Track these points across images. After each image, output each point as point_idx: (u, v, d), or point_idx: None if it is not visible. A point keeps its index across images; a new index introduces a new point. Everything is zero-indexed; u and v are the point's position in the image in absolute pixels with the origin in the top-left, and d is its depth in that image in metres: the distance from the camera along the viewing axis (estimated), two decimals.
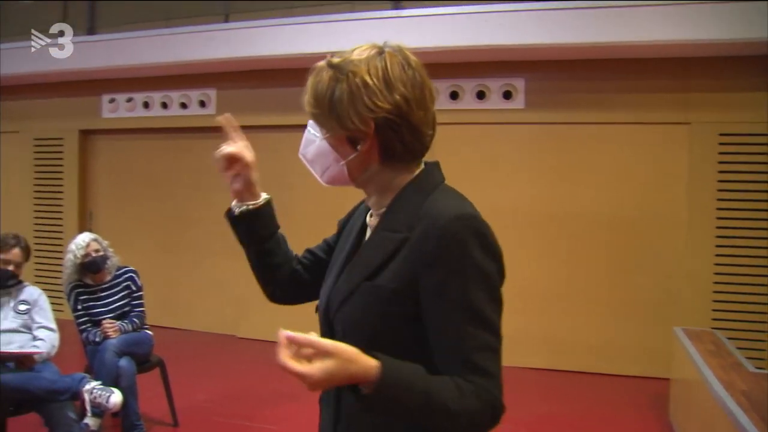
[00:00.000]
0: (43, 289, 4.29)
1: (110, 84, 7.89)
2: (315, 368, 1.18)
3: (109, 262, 4.58)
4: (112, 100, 7.96)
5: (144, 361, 4.50)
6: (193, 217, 7.70)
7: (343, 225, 1.65)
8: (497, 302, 1.35)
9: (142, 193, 7.99)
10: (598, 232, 6.18)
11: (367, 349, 1.24)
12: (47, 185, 8.39)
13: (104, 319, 4.43)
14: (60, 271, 6.67)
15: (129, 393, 4.11)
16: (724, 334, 4.95)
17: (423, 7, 6.20)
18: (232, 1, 7.15)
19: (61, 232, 8.20)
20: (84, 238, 4.56)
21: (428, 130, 1.42)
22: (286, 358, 1.17)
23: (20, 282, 4.17)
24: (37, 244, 8.13)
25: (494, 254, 1.35)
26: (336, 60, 1.39)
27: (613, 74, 6.11)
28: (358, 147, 1.39)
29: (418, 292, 1.32)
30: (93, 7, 7.89)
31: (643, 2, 5.53)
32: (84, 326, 4.46)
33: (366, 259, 1.42)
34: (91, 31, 7.79)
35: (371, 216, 1.52)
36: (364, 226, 1.54)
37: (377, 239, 1.42)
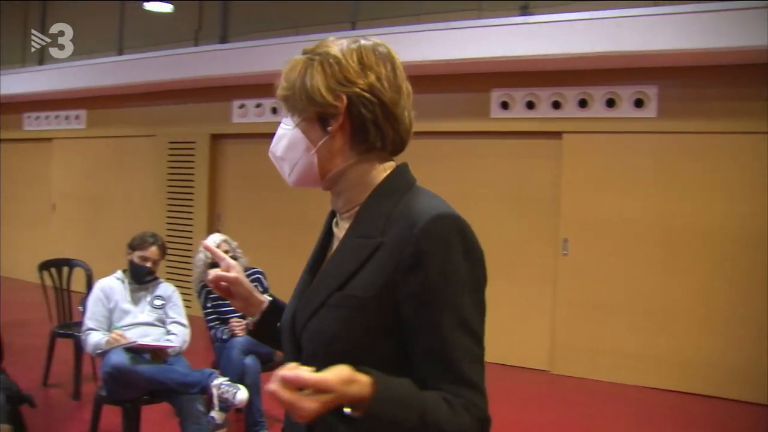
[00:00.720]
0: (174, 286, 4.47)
1: (240, 90, 8.17)
2: (311, 399, 1.06)
3: (237, 263, 4.69)
4: (241, 106, 8.23)
5: (268, 360, 4.59)
6: (318, 220, 7.75)
7: None
8: (482, 308, 1.26)
9: (269, 196, 8.21)
10: (735, 248, 5.79)
11: (332, 361, 1.14)
12: (179, 186, 8.77)
13: (232, 317, 4.57)
14: (189, 269, 6.95)
15: (253, 390, 4.21)
16: None
17: (552, 13, 6.06)
18: (359, 1, 7.24)
19: (191, 231, 8.55)
20: (215, 238, 4.73)
21: (403, 117, 1.35)
22: (277, 385, 1.06)
23: (156, 278, 4.36)
24: (168, 242, 8.50)
25: (478, 257, 1.26)
26: (310, 46, 1.38)
27: (754, 81, 5.74)
28: (329, 128, 1.32)
29: (396, 300, 1.22)
30: (225, 16, 8.20)
31: None
32: (212, 323, 4.61)
33: (335, 267, 1.33)
34: (223, 39, 8.10)
35: (337, 222, 1.43)
36: (330, 233, 1.46)
37: (348, 245, 1.33)
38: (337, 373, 1.08)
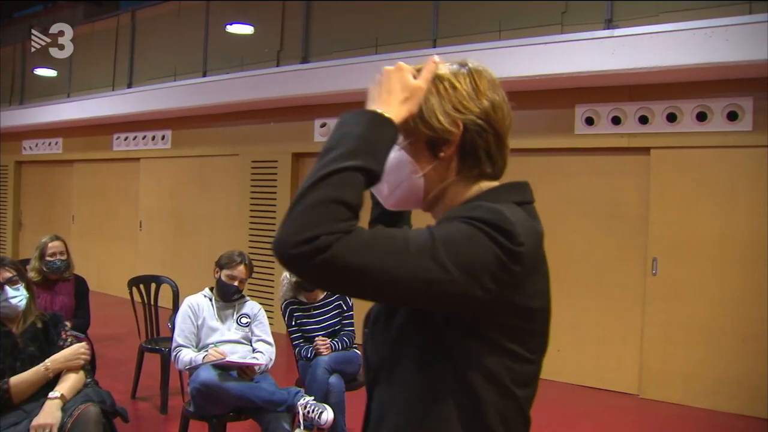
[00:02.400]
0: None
1: (322, 109, 8.25)
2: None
3: None
4: (323, 125, 8.32)
5: (352, 379, 4.59)
6: None
7: None
8: (469, 262, 1.14)
9: None
10: None
11: (386, 344, 1.30)
12: (262, 205, 8.91)
13: (316, 336, 4.58)
14: (272, 287, 7.04)
15: (337, 410, 4.20)
16: None
17: (638, 25, 5.90)
18: (441, 11, 7.22)
19: None
20: None
21: (507, 149, 1.34)
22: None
23: (243, 296, 4.41)
24: (251, 260, 8.65)
25: (511, 240, 1.17)
26: (418, 65, 1.33)
27: None
28: (441, 154, 1.29)
29: None
30: (306, 36, 8.32)
31: None
32: (297, 342, 4.64)
33: None
34: (304, 59, 8.22)
35: None
36: None
37: None
38: (401, 80, 1.25)
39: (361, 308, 5.27)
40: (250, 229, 8.97)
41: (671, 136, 6.03)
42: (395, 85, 1.24)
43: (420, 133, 1.29)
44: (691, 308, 5.90)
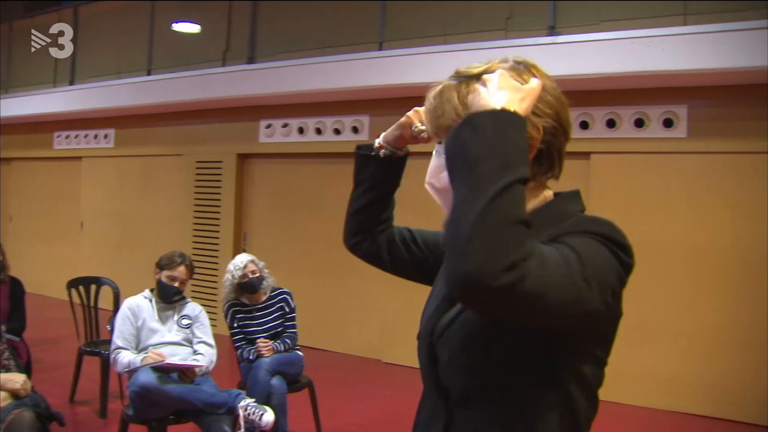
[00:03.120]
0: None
1: (267, 110, 8.22)
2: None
3: (265, 282, 4.72)
4: (268, 126, 8.28)
5: (294, 381, 4.59)
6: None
7: None
8: (611, 267, 1.15)
9: (295, 216, 8.23)
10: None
11: (480, 366, 1.22)
12: (206, 206, 8.83)
13: (259, 338, 4.57)
14: (215, 289, 6.99)
15: (279, 411, 4.19)
16: None
17: (580, 33, 6.03)
18: (388, 13, 7.26)
19: (218, 251, 8.59)
20: (242, 259, 4.74)
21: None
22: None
23: (184, 298, 4.37)
24: (194, 261, 8.54)
25: (628, 254, 1.18)
26: (476, 69, 1.28)
27: None
28: None
29: None
30: (253, 37, 8.27)
31: None
32: (239, 344, 4.61)
33: None
34: (250, 60, 8.16)
35: None
36: None
37: None
38: (510, 82, 1.15)
39: (306, 309, 5.29)
40: (194, 229, 8.88)
41: (611, 141, 6.18)
42: (508, 86, 1.15)
43: None
44: (630, 309, 6.03)
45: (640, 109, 6.10)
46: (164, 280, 4.23)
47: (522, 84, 1.18)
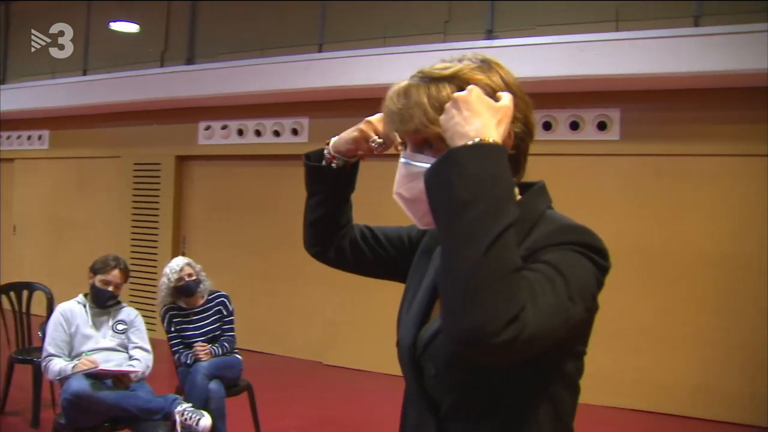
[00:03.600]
0: (138, 310, 4.40)
1: (207, 112, 8.14)
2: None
3: (202, 286, 4.67)
4: (207, 128, 8.20)
5: (233, 384, 4.55)
6: (284, 243, 7.81)
7: (417, 241, 1.52)
8: (591, 281, 1.17)
9: (235, 219, 8.17)
10: (702, 269, 5.88)
11: (468, 381, 1.20)
12: (144, 209, 8.69)
13: (196, 342, 4.52)
14: (154, 293, 6.88)
15: (217, 416, 4.15)
16: None
17: (516, 37, 6.15)
18: (328, 16, 7.28)
19: (156, 254, 8.46)
20: (178, 262, 4.68)
21: None
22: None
23: (119, 302, 4.29)
24: (132, 265, 8.38)
25: (604, 258, 1.21)
26: (446, 70, 1.24)
27: (715, 104, 5.86)
28: None
29: None
30: (192, 38, 8.18)
31: (746, 30, 5.31)
32: (177, 348, 4.55)
33: None
34: (189, 61, 8.07)
35: None
36: (429, 252, 1.43)
37: None
38: (484, 102, 1.13)
39: (246, 312, 5.24)
40: (132, 233, 8.72)
41: (546, 143, 6.29)
42: (483, 109, 1.12)
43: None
44: None
45: (575, 112, 6.25)
46: (98, 284, 4.14)
47: (494, 100, 1.17)
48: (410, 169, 1.25)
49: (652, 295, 6.01)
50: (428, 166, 1.13)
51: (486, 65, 1.27)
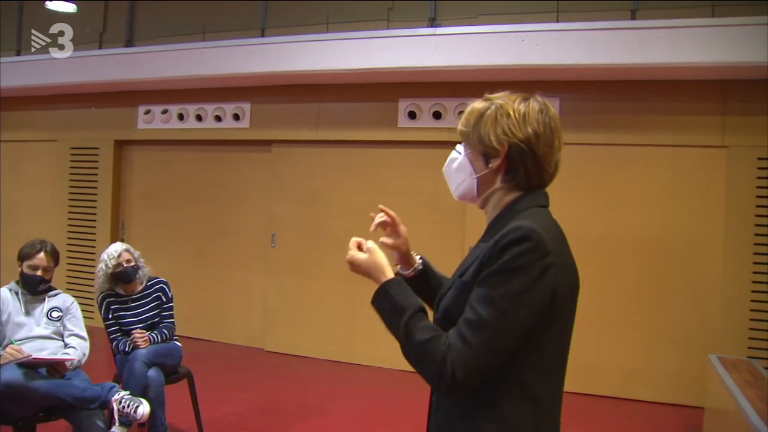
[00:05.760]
0: (75, 297, 4.31)
1: (146, 95, 7.99)
2: (356, 254, 1.76)
3: (140, 272, 4.60)
4: (147, 112, 8.05)
5: (172, 372, 4.51)
6: (225, 229, 7.75)
7: None
8: (518, 294, 1.50)
9: (175, 204, 8.06)
10: (632, 255, 6.08)
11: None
12: (82, 194, 8.49)
13: (134, 329, 4.45)
14: (92, 279, 6.76)
15: (156, 404, 4.11)
16: (760, 363, 4.83)
17: (459, 25, 6.19)
18: (269, 9, 7.22)
19: (94, 240, 8.29)
20: (116, 248, 4.59)
21: (548, 167, 1.69)
22: (351, 250, 1.77)
23: (51, 288, 4.19)
24: (69, 251, 8.22)
25: (537, 255, 1.52)
26: (492, 96, 1.74)
27: (650, 96, 6.04)
28: (490, 164, 1.68)
29: None
30: (132, 19, 8.00)
31: (681, 24, 5.47)
32: (114, 335, 4.48)
33: (464, 262, 1.71)
34: (129, 43, 7.91)
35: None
36: None
37: (475, 247, 1.71)
38: (377, 253, 1.74)
39: (186, 299, 5.18)
40: (69, 219, 8.52)
41: None
42: (374, 267, 1.72)
43: (478, 147, 1.70)
44: None
45: None
46: (26, 270, 4.04)
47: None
48: (452, 156, 1.81)
49: (589, 280, 6.11)
50: (461, 155, 1.76)
51: (523, 102, 1.70)
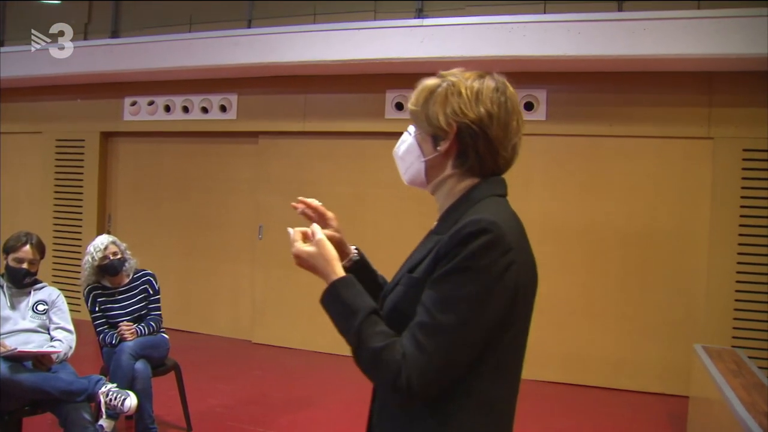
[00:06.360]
0: (61, 290, 4.28)
1: (132, 87, 7.94)
2: (302, 247, 1.60)
3: (127, 264, 4.59)
4: (133, 103, 8.00)
5: (160, 364, 4.51)
6: (212, 221, 7.73)
7: None
8: (480, 297, 1.38)
9: (161, 196, 8.02)
10: (617, 246, 6.12)
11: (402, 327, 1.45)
12: (68, 186, 8.44)
13: (121, 321, 4.45)
14: (78, 272, 6.75)
15: (144, 396, 4.11)
16: (744, 353, 4.88)
17: (446, 16, 6.19)
18: (255, 1, 7.18)
19: (80, 233, 8.25)
20: (102, 240, 4.58)
21: (504, 151, 1.54)
22: (297, 241, 1.63)
23: (37, 281, 4.17)
24: (56, 244, 8.18)
25: (498, 251, 1.39)
26: (445, 72, 1.58)
27: (636, 87, 6.07)
28: (439, 147, 1.54)
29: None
30: (117, 10, 7.94)
31: (667, 16, 5.49)
32: (101, 328, 4.47)
33: (413, 256, 1.60)
34: (114, 34, 7.85)
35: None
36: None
37: (426, 239, 1.60)
38: (326, 245, 1.59)
39: (173, 291, 5.19)
40: (55, 211, 8.47)
41: None
42: (320, 258, 1.58)
43: (426, 128, 1.56)
44: None
45: None
46: (11, 263, 4.01)
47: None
48: (402, 137, 1.66)
49: (575, 271, 6.20)
50: (410, 136, 1.61)
51: (478, 80, 1.55)
